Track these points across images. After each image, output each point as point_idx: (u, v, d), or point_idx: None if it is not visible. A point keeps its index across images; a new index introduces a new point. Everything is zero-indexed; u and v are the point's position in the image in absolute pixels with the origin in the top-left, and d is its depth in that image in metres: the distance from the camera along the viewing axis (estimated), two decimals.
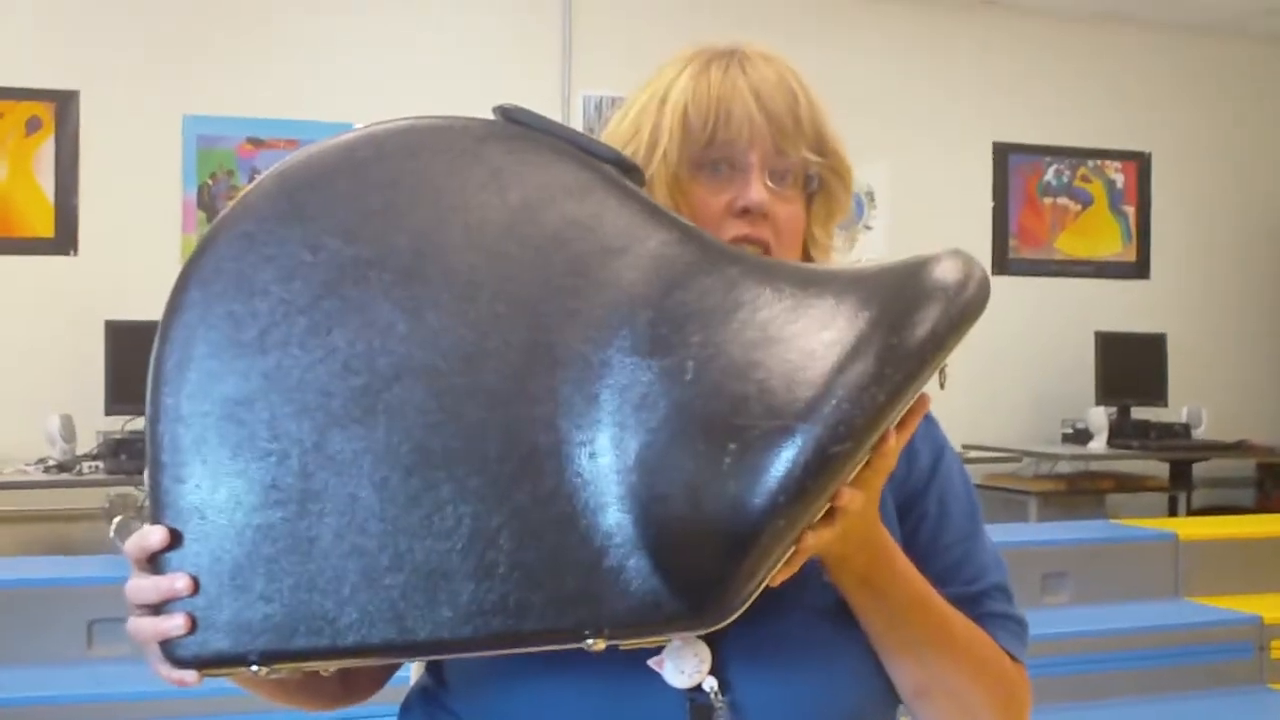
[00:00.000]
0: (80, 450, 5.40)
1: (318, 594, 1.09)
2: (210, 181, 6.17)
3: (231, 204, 1.19)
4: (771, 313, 1.11)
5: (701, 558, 1.06)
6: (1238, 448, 7.16)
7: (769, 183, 1.38)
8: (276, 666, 1.13)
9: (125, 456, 5.34)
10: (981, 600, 1.44)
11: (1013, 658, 1.42)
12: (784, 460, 1.04)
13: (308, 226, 1.14)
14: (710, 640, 1.29)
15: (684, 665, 1.30)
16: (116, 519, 5.09)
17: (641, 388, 1.09)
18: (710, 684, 1.30)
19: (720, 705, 1.30)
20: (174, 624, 1.14)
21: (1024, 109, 7.60)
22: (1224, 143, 7.94)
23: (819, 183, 1.42)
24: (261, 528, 1.10)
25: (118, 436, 5.46)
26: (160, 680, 3.78)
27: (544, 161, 1.18)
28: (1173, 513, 7.04)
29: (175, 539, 1.13)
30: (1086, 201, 7.79)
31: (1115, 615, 4.71)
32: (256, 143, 6.24)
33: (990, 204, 7.56)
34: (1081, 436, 6.99)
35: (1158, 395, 7.24)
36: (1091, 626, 4.64)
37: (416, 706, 1.45)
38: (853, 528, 1.17)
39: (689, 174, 1.38)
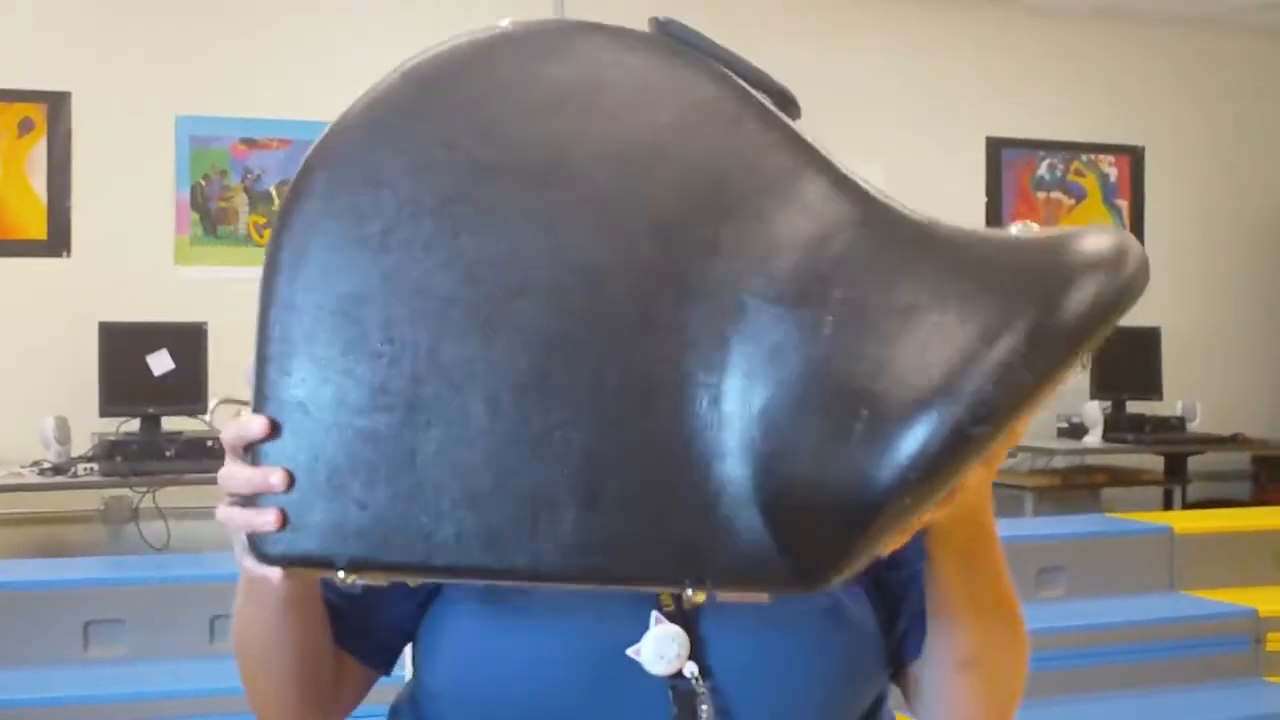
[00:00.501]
0: (75, 452, 5.39)
1: (415, 507, 1.05)
2: (203, 182, 6.17)
3: (359, 97, 1.15)
4: (920, 279, 1.03)
5: (818, 525, 1.00)
6: (1233, 441, 7.16)
7: None
8: (363, 575, 1.08)
9: (120, 458, 5.34)
10: None
11: None
12: (918, 437, 0.96)
13: (442, 122, 1.08)
14: (688, 625, 1.30)
15: (663, 651, 1.30)
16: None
17: (775, 337, 1.02)
18: (691, 669, 1.30)
19: (702, 690, 1.30)
20: (265, 519, 1.09)
21: (1017, 103, 7.61)
22: (1218, 137, 7.95)
23: None
24: (364, 431, 1.05)
25: (112, 438, 5.46)
26: (155, 681, 3.75)
27: (698, 82, 1.11)
28: (1168, 506, 7.05)
29: (275, 431, 1.08)
30: (1080, 196, 7.80)
31: (1111, 609, 4.72)
32: (250, 143, 6.24)
33: (984, 199, 7.57)
34: (1076, 431, 6.99)
35: (1152, 389, 7.25)
36: (1087, 620, 4.65)
37: (405, 704, 1.46)
38: (966, 503, 1.14)
39: None
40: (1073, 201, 7.77)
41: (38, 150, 5.96)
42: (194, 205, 6.15)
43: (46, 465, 5.31)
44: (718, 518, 1.02)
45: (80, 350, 5.65)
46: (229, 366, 5.83)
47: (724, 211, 1.06)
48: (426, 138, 1.09)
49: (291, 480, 1.09)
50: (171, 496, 5.73)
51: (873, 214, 1.08)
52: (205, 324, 5.76)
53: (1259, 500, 7.50)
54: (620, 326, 1.04)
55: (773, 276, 1.04)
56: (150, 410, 5.63)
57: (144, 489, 5.68)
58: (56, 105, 5.97)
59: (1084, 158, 7.79)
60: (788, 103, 1.18)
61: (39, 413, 5.44)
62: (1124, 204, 7.86)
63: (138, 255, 6.00)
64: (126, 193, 6.03)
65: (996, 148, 7.60)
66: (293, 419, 1.08)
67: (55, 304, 5.87)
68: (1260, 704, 4.66)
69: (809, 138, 1.14)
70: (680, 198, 1.06)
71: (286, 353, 1.08)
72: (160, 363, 5.64)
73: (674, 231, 1.05)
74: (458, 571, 1.07)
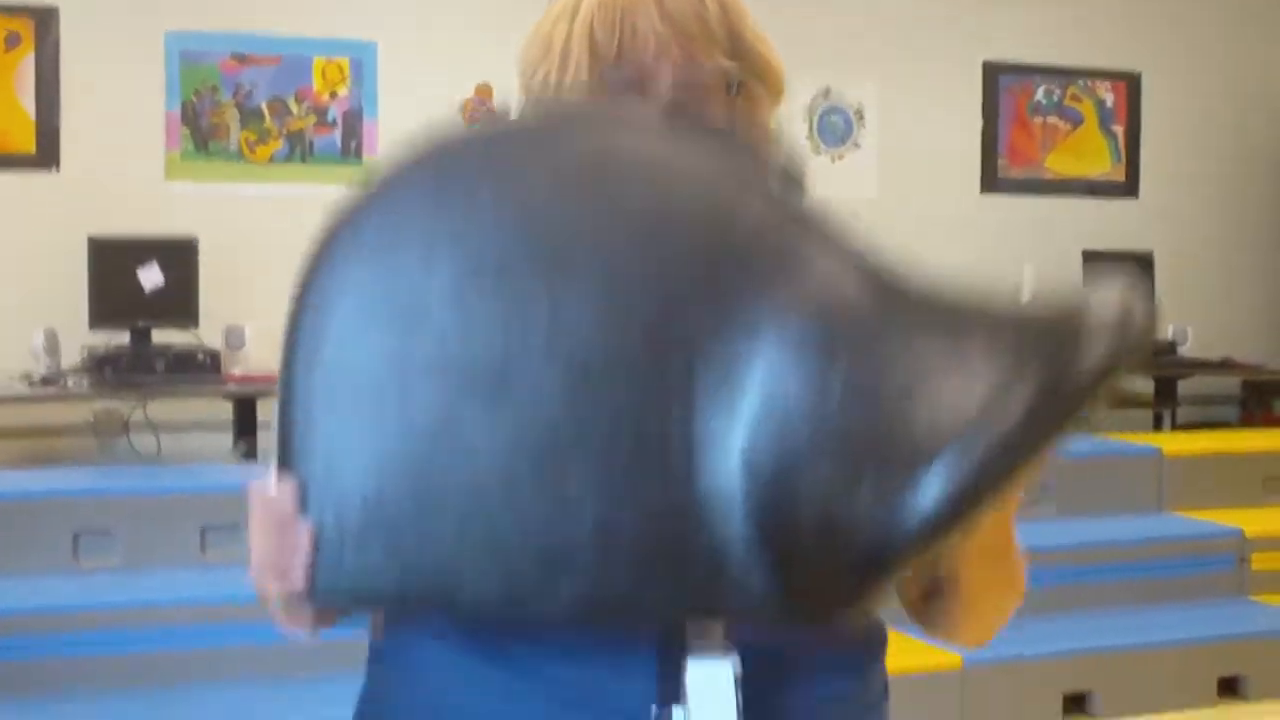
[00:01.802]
0: (65, 365, 5.39)
1: (440, 559, 1.08)
2: (194, 98, 6.13)
3: (395, 159, 1.16)
4: (931, 339, 1.06)
5: (829, 578, 1.04)
6: (1222, 365, 7.18)
7: (685, 92, 1.35)
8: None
9: (109, 371, 5.34)
10: None
11: None
12: (927, 497, 0.99)
13: (467, 194, 1.11)
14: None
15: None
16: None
17: (786, 396, 1.04)
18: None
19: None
20: (294, 580, 1.12)
21: (1014, 28, 7.56)
22: (1214, 63, 7.90)
23: (738, 86, 1.38)
24: (386, 487, 1.09)
25: (102, 351, 5.45)
26: (146, 590, 3.78)
27: (706, 154, 1.15)
28: (1157, 429, 7.06)
29: (299, 487, 1.12)
30: (1077, 121, 7.76)
31: (1099, 528, 4.75)
32: (241, 59, 6.19)
33: (980, 123, 7.54)
34: None
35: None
36: (1076, 539, 4.68)
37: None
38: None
39: (603, 90, 1.35)
40: (1069, 127, 7.75)
41: (25, 65, 5.91)
42: (185, 121, 6.11)
43: (36, 377, 5.30)
44: (731, 575, 1.05)
45: (70, 264, 5.63)
46: (219, 281, 5.83)
47: (735, 277, 1.08)
48: (454, 208, 1.11)
49: (317, 539, 1.11)
50: (162, 410, 5.73)
51: (883, 278, 1.12)
52: (195, 238, 5.74)
53: (1247, 424, 7.53)
54: (632, 392, 1.06)
55: (783, 337, 1.06)
56: (140, 324, 5.62)
57: (134, 401, 5.68)
58: (44, 20, 5.92)
59: (1081, 83, 7.75)
60: (795, 180, 1.22)
61: (29, 325, 5.43)
62: (1120, 130, 7.83)
63: (128, 170, 5.97)
64: (116, 108, 5.99)
65: (993, 73, 7.56)
66: (316, 476, 1.11)
67: (45, 218, 5.84)
68: (1245, 622, 4.71)
69: (817, 209, 1.18)
70: (689, 267, 1.08)
71: (309, 411, 1.11)
72: (150, 277, 5.63)
73: (686, 299, 1.07)
74: (481, 613, 1.12)
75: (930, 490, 0.99)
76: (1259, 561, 4.92)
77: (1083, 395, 1.02)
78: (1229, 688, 4.59)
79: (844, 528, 1.01)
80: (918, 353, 1.05)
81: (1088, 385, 1.02)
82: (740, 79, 1.38)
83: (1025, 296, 1.09)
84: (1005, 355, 1.03)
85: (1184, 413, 7.32)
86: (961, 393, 1.02)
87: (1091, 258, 7.18)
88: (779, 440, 1.04)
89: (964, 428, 1.00)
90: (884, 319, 1.08)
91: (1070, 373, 1.02)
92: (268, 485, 1.14)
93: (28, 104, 5.90)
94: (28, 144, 5.91)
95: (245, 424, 5.58)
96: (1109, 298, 1.06)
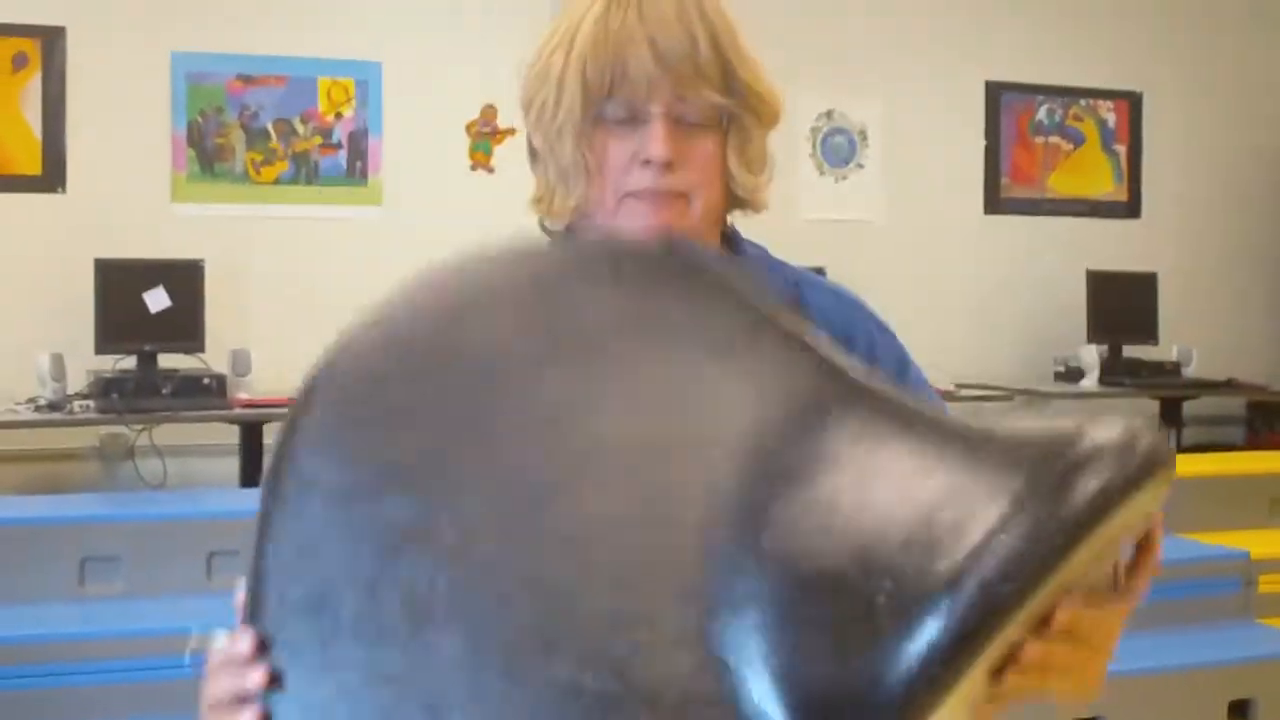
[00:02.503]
0: (71, 389, 5.38)
1: None
2: (200, 119, 6.14)
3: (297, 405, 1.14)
4: (930, 475, 1.00)
5: None
6: (1227, 386, 7.17)
7: (677, 125, 1.37)
8: None
9: (116, 395, 5.34)
10: None
11: None
12: (927, 638, 0.94)
13: (421, 414, 1.07)
14: None
15: None
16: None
17: (748, 581, 0.98)
18: None
19: None
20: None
21: (1016, 48, 7.57)
22: (1216, 83, 7.91)
23: (729, 119, 1.40)
24: (354, 690, 1.05)
25: (108, 375, 5.45)
26: (152, 618, 3.74)
27: (710, 310, 1.11)
28: None
29: (260, 637, 1.11)
30: (1078, 140, 7.77)
31: None
32: (246, 79, 6.20)
33: (983, 143, 7.54)
34: (1073, 375, 7.00)
35: (1148, 334, 7.25)
36: None
37: None
38: None
39: (594, 125, 1.37)
40: (1071, 147, 7.75)
41: (32, 85, 5.92)
42: (190, 142, 6.12)
43: (42, 402, 5.30)
44: None
45: (76, 287, 5.63)
46: (225, 304, 5.83)
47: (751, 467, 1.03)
48: (410, 431, 1.07)
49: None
50: (168, 434, 5.73)
51: (883, 406, 1.06)
52: (202, 261, 5.75)
53: (1253, 445, 7.52)
54: (601, 616, 1.00)
55: (743, 524, 1.01)
56: (146, 347, 5.62)
57: (140, 426, 5.68)
58: (51, 40, 5.93)
59: (1083, 102, 7.76)
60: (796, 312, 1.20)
61: (34, 349, 5.43)
62: (1122, 149, 7.83)
63: (134, 192, 5.97)
64: (122, 129, 5.99)
65: (995, 92, 7.57)
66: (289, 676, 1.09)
67: (51, 240, 5.85)
68: (1251, 646, 4.69)
69: (823, 347, 1.12)
70: (690, 438, 1.04)
71: (277, 621, 1.09)
72: (157, 300, 5.63)
73: (647, 504, 1.02)
74: None
75: (918, 646, 0.94)
76: (1266, 584, 4.90)
77: (1077, 533, 0.95)
78: (1239, 711, 4.57)
79: (849, 681, 0.95)
80: (915, 487, 0.99)
81: (1081, 523, 0.95)
82: (732, 112, 1.39)
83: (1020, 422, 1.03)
84: (996, 484, 0.97)
85: (1189, 434, 7.31)
86: (959, 532, 0.95)
87: (1095, 278, 7.18)
88: (773, 615, 0.98)
89: (957, 572, 0.94)
90: (883, 451, 1.03)
91: (1064, 510, 0.95)
92: (230, 635, 1.15)
93: (34, 125, 5.91)
94: (34, 166, 5.91)
95: (251, 448, 5.58)
96: (1110, 429, 0.99)
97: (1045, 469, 0.96)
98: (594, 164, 1.38)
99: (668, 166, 1.36)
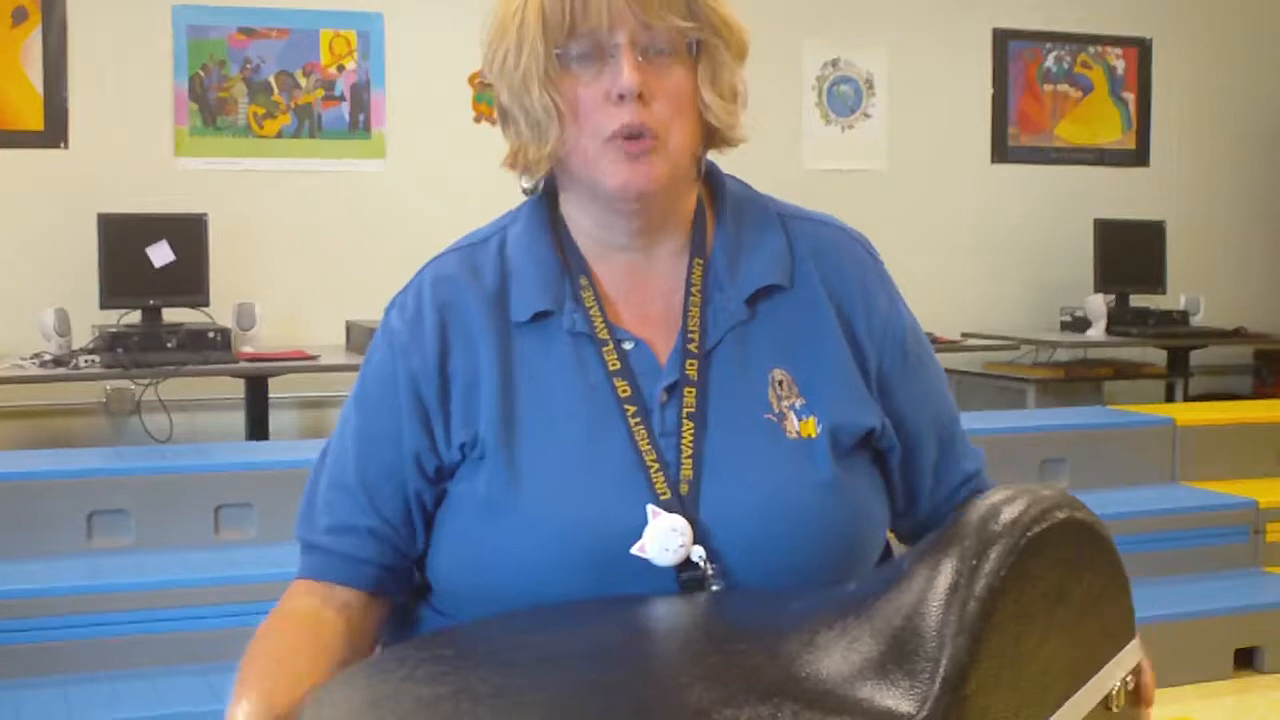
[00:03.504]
0: (76, 344, 5.38)
1: None
2: (202, 72, 6.11)
3: None
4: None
5: None
6: (1235, 335, 7.15)
7: (644, 57, 1.36)
8: None
9: (121, 350, 5.32)
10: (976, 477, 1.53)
11: None
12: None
13: None
14: (686, 513, 1.32)
15: (667, 543, 1.31)
16: None
17: None
18: (699, 554, 1.31)
19: (711, 573, 1.31)
20: None
21: None
22: (1226, 30, 7.85)
23: (697, 46, 1.38)
24: None
25: (113, 330, 5.44)
26: (160, 571, 3.76)
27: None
28: (1170, 400, 7.05)
29: None
30: (1087, 88, 7.72)
31: (1113, 500, 4.73)
32: (248, 32, 6.17)
33: (990, 91, 7.50)
34: (1080, 324, 6.98)
35: (1156, 282, 7.23)
36: None
37: (417, 601, 1.48)
38: None
39: (560, 68, 1.36)
40: (1079, 94, 7.70)
41: (33, 40, 5.88)
42: (192, 96, 6.09)
43: (47, 357, 5.29)
44: None
45: (80, 242, 5.61)
46: (229, 258, 5.82)
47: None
48: None
49: None
50: (173, 389, 5.73)
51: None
52: (205, 215, 5.73)
53: (1260, 394, 7.51)
54: None
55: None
56: (151, 302, 5.61)
57: (145, 381, 5.67)
58: None
59: (1091, 50, 7.70)
60: None
61: (39, 305, 5.42)
62: (1130, 97, 7.78)
63: (136, 146, 5.95)
64: (124, 83, 5.96)
65: (1003, 39, 7.52)
66: None
67: (53, 195, 5.83)
68: (1259, 593, 4.70)
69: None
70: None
71: None
72: (160, 254, 5.61)
73: None
74: None
75: None
76: (1274, 532, 4.90)
77: (988, 601, 1.07)
78: (1245, 660, 4.58)
79: None
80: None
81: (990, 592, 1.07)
82: (699, 38, 1.38)
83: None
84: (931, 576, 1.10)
85: (1196, 383, 7.30)
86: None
87: (1103, 227, 7.14)
88: None
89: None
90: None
91: (975, 585, 1.07)
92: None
93: (35, 80, 5.88)
94: (36, 121, 5.89)
95: (257, 402, 5.58)
96: (1011, 500, 1.14)
97: (968, 553, 1.10)
98: (566, 108, 1.36)
99: (640, 99, 1.34)
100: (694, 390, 1.38)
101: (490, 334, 1.41)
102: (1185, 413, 5.67)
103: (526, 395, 1.38)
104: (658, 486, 1.33)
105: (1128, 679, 1.24)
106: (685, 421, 1.37)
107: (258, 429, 5.55)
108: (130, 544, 3.98)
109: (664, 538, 1.30)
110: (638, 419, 1.36)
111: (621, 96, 1.34)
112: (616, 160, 1.36)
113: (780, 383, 1.40)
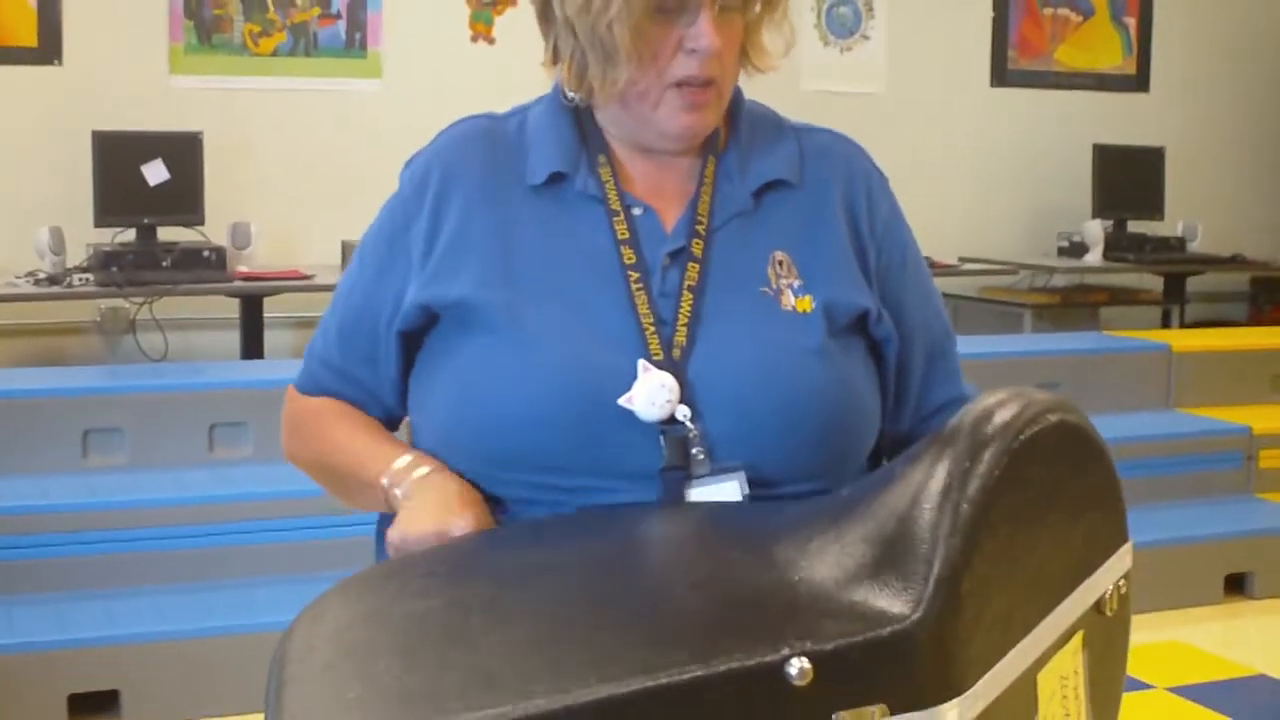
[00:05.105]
0: (70, 263, 5.36)
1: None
2: None
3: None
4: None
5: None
6: (1232, 262, 7.15)
7: (719, 13, 1.43)
8: None
9: (116, 268, 5.31)
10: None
11: None
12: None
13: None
14: (676, 371, 1.38)
15: (654, 398, 1.37)
16: None
17: None
18: (684, 413, 1.38)
19: (694, 434, 1.37)
20: None
21: None
22: None
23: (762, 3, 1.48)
24: None
25: (108, 248, 5.42)
26: (155, 489, 3.77)
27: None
28: (1166, 326, 7.05)
29: None
30: (1088, 12, 7.67)
31: (1108, 425, 4.68)
32: None
33: (990, 14, 7.44)
34: (1077, 249, 6.97)
35: (1154, 209, 7.21)
36: None
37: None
38: None
39: (648, 16, 1.42)
40: (1080, 18, 7.65)
41: None
42: (187, 13, 6.03)
43: (41, 276, 5.27)
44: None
45: (74, 160, 5.58)
46: (224, 177, 5.79)
47: None
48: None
49: None
50: (168, 308, 5.72)
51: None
52: (200, 133, 5.69)
53: (1256, 321, 7.52)
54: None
55: None
56: (146, 220, 5.58)
57: (140, 299, 5.66)
58: None
59: None
60: None
61: (33, 223, 5.39)
62: (1131, 21, 7.73)
63: (131, 64, 5.90)
64: (118, 0, 5.91)
65: None
66: None
67: (47, 113, 5.79)
68: (1252, 519, 4.72)
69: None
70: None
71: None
72: (155, 172, 5.58)
73: None
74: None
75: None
76: (1267, 459, 4.92)
77: (982, 505, 1.08)
78: (1236, 585, 4.61)
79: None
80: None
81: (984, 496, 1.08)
82: None
83: None
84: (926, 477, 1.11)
85: (1193, 310, 7.30)
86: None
87: (1102, 152, 7.12)
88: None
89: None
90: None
91: (970, 489, 1.08)
92: None
93: None
94: (29, 37, 5.83)
95: (252, 321, 5.57)
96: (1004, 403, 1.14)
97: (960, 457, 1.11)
98: (647, 54, 1.42)
99: (714, 55, 1.43)
100: (697, 266, 1.45)
101: (496, 197, 1.49)
102: (1181, 339, 5.68)
103: (532, 254, 1.46)
104: (651, 345, 1.40)
105: (1120, 583, 1.25)
106: (685, 293, 1.44)
107: (253, 348, 5.55)
108: (125, 462, 3.99)
109: (652, 392, 1.37)
110: (639, 284, 1.44)
111: (694, 50, 1.42)
112: (679, 106, 1.45)
113: (780, 263, 1.47)
